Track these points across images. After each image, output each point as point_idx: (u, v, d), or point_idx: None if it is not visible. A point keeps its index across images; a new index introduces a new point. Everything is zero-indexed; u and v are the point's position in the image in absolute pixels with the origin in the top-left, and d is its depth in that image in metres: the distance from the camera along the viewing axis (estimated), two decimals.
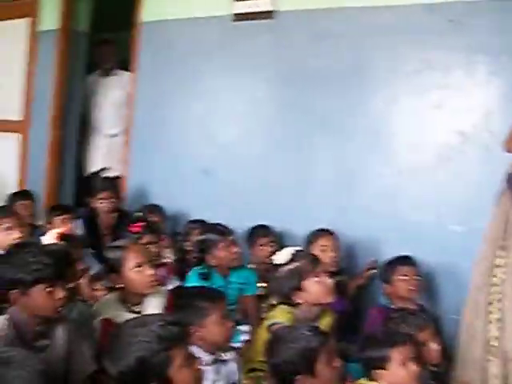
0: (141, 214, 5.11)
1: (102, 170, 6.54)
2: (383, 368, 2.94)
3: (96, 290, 3.86)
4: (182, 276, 4.56)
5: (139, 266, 3.50)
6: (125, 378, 2.28)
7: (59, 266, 3.04)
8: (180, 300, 3.29)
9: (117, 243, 3.77)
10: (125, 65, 6.64)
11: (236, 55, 5.40)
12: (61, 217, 4.90)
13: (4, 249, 3.86)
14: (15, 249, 3.20)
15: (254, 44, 5.29)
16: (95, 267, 4.27)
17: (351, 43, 4.78)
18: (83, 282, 3.73)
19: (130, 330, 2.32)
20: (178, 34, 5.83)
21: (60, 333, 3.09)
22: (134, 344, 2.26)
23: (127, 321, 2.51)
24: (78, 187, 6.89)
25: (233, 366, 3.22)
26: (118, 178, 6.31)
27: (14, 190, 6.26)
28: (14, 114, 7.13)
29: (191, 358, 2.34)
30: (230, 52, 5.44)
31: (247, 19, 5.32)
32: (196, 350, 2.79)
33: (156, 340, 2.26)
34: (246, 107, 5.38)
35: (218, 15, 5.49)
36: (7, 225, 4.17)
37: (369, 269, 4.55)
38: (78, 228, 4.92)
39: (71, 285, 3.32)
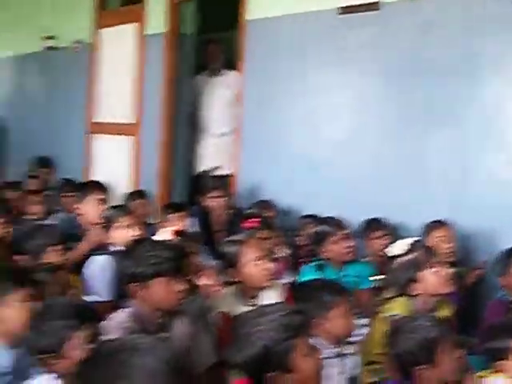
0: (253, 210, 5.14)
1: (213, 168, 6.62)
2: (507, 358, 2.88)
3: (212, 284, 3.89)
4: (294, 271, 4.59)
5: (257, 260, 3.54)
6: (248, 367, 2.30)
7: (178, 259, 3.12)
8: (302, 293, 3.28)
9: (234, 238, 3.81)
10: (231, 64, 6.71)
11: (343, 49, 5.36)
12: (175, 214, 4.99)
13: (123, 245, 3.99)
14: (135, 244, 3.29)
15: (360, 37, 5.24)
16: (210, 263, 4.33)
17: (460, 31, 4.67)
18: (200, 276, 3.76)
19: (253, 320, 2.33)
20: (283, 30, 5.85)
21: (180, 325, 3.16)
22: (258, 333, 2.28)
23: (250, 311, 2.53)
24: (190, 186, 7.01)
25: (354, 360, 3.21)
26: (228, 176, 6.38)
27: (128, 190, 6.41)
28: (126, 116, 7.33)
29: (313, 348, 2.34)
30: (337, 46, 5.40)
31: (353, 12, 5.28)
32: (318, 343, 2.78)
33: (279, 329, 2.27)
34: (354, 101, 5.34)
35: (324, 9, 5.47)
36: (125, 223, 4.29)
37: (476, 268, 4.45)
38: (191, 225, 5.00)
39: (189, 278, 3.38)
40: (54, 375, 2.51)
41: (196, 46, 7.09)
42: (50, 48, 9.02)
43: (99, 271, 4.04)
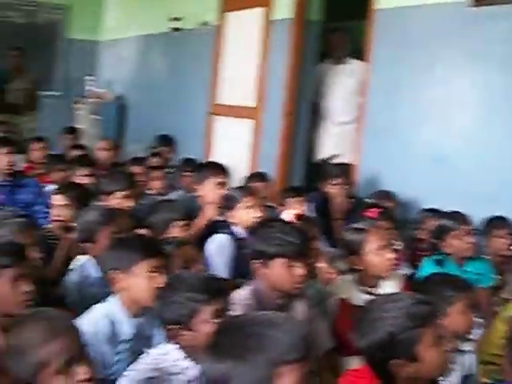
0: (373, 200, 5.11)
1: (334, 156, 6.61)
2: None
3: (329, 271, 3.90)
4: (410, 264, 4.56)
5: (380, 249, 3.53)
6: (372, 351, 2.29)
7: (301, 243, 3.13)
8: (423, 286, 3.23)
9: (357, 225, 3.79)
10: (355, 53, 6.67)
11: (473, 41, 5.25)
12: (293, 199, 5.02)
13: (244, 226, 4.06)
14: (263, 223, 3.35)
15: (492, 30, 5.11)
16: (327, 250, 4.35)
17: None
18: (320, 262, 3.78)
19: (381, 306, 2.32)
20: (413, 20, 5.75)
21: (299, 308, 3.18)
22: (385, 319, 2.27)
23: (377, 297, 2.52)
24: (308, 173, 7.03)
25: (470, 358, 3.16)
26: (348, 164, 6.36)
27: (246, 172, 6.47)
28: (249, 100, 7.38)
29: (441, 339, 2.31)
30: (468, 38, 5.28)
31: (486, 5, 5.15)
32: None
33: (407, 317, 2.26)
34: (482, 94, 5.21)
35: (455, 1, 5.36)
36: (248, 204, 4.32)
37: None
38: (310, 211, 5.01)
39: (310, 263, 3.39)
40: (177, 346, 2.57)
41: (321, 34, 7.07)
42: (176, 29, 9.18)
43: (219, 249, 4.11)
